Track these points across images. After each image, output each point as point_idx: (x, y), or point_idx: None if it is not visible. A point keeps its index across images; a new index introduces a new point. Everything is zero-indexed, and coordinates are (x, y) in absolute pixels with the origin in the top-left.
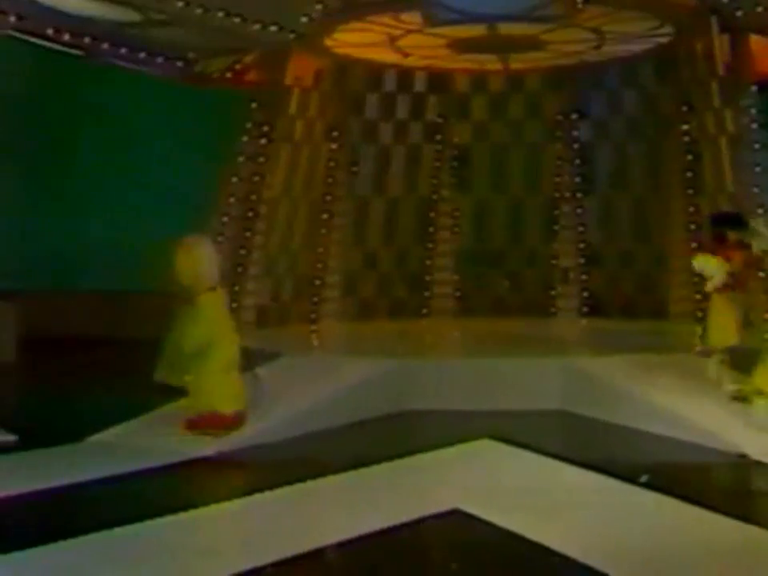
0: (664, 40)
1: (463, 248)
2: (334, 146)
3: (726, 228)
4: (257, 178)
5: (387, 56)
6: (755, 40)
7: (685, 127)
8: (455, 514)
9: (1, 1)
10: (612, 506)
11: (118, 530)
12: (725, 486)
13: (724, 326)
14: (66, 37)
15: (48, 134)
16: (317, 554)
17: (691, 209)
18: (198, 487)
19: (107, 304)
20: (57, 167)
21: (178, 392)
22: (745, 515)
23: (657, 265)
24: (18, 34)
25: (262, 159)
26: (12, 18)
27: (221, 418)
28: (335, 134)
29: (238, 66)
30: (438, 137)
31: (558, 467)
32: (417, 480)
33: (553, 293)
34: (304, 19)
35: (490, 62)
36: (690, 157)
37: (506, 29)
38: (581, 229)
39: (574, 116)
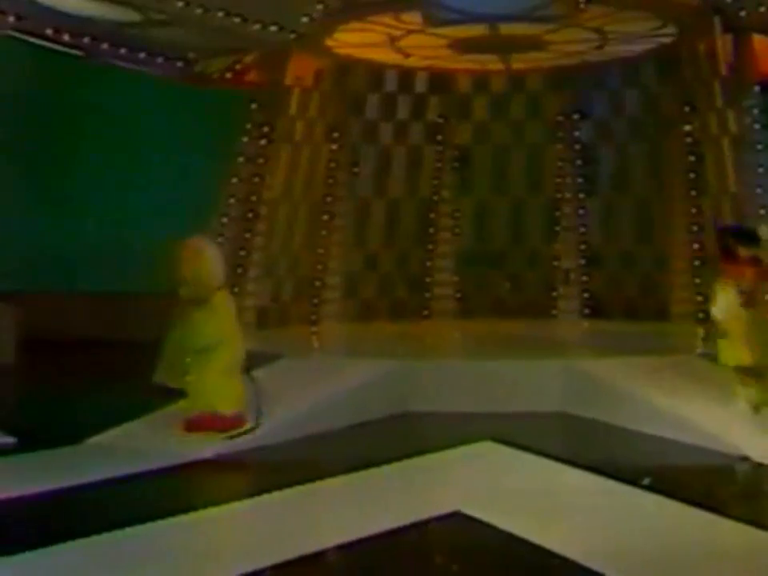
0: (666, 40)
1: (464, 249)
2: (334, 147)
3: (737, 244)
4: (257, 179)
5: (388, 56)
6: (758, 40)
7: (687, 128)
8: (456, 516)
9: (0, 1)
10: (614, 508)
11: (117, 533)
12: (727, 489)
13: (738, 344)
14: (66, 37)
15: (48, 135)
16: (317, 557)
17: (693, 210)
18: (198, 489)
19: (107, 305)
20: (56, 168)
21: (178, 394)
22: (747, 518)
23: (658, 266)
24: (17, 34)
25: (262, 160)
26: (11, 18)
27: (220, 420)
28: (336, 134)
29: (238, 66)
30: (439, 137)
31: (560, 469)
32: (418, 482)
33: (554, 294)
34: (304, 19)
35: (491, 63)
36: (692, 158)
37: (507, 29)
38: (582, 230)
39: (576, 116)
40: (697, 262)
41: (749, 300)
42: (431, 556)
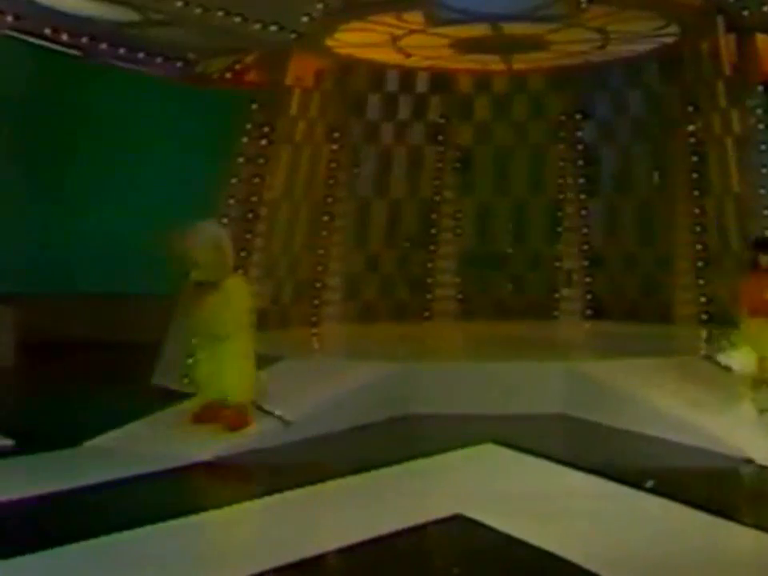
0: (669, 40)
1: (465, 250)
2: (335, 147)
3: (759, 253)
4: (257, 180)
5: (389, 56)
6: (762, 39)
7: (690, 128)
8: (457, 519)
9: None
10: (616, 511)
11: (116, 536)
12: (731, 491)
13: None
14: (64, 37)
15: (47, 136)
16: (318, 560)
17: (696, 210)
18: (198, 492)
19: (106, 307)
20: (55, 170)
21: (177, 395)
22: (751, 521)
23: (661, 267)
24: (15, 34)
25: (262, 160)
26: (9, 18)
27: (231, 415)
28: (336, 134)
29: (238, 67)
30: (441, 138)
31: (562, 472)
32: (419, 485)
33: (556, 295)
34: (305, 19)
35: (492, 63)
36: (695, 158)
37: (509, 29)
38: (584, 231)
39: (578, 117)
40: (700, 263)
41: None
42: (432, 559)
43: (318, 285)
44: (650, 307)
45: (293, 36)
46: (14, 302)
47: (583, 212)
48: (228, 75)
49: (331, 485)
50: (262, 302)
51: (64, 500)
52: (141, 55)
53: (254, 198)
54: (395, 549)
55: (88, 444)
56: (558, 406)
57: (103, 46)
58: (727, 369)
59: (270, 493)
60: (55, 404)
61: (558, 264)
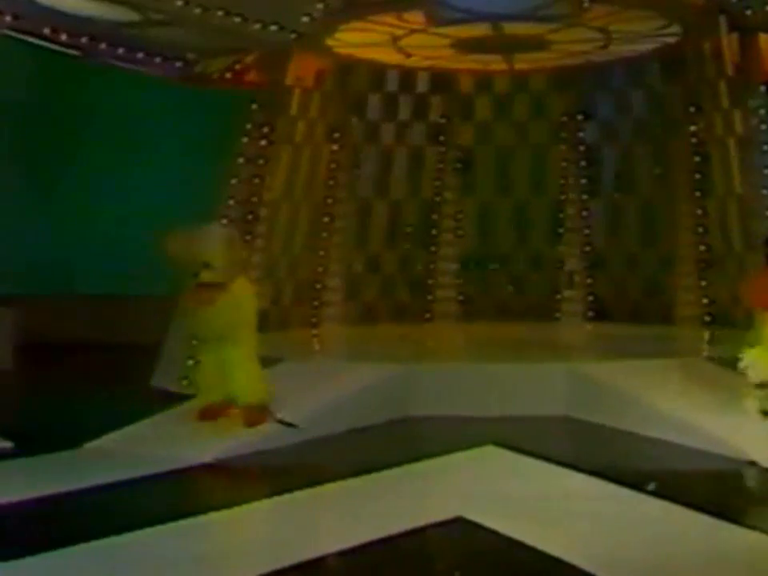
0: (671, 39)
1: (467, 251)
2: (335, 148)
3: None
4: (257, 180)
5: (390, 56)
6: (764, 39)
7: (692, 128)
8: (458, 521)
9: None
10: (618, 513)
11: (116, 538)
12: (733, 494)
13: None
14: (64, 37)
15: (47, 138)
16: (319, 562)
17: (699, 211)
18: (198, 494)
19: (106, 308)
20: (55, 171)
21: (177, 397)
22: (754, 523)
23: (664, 268)
24: (14, 34)
25: (262, 161)
26: (8, 18)
27: (247, 412)
28: (337, 135)
29: (238, 67)
30: (441, 138)
31: (563, 474)
32: (420, 487)
33: (558, 297)
34: (305, 19)
35: (494, 62)
36: (697, 158)
37: (510, 28)
38: (586, 232)
39: (580, 117)
40: (702, 265)
41: None
42: (433, 562)
43: (319, 286)
44: (652, 308)
45: (293, 36)
46: (13, 304)
47: (585, 213)
48: (228, 75)
49: (332, 487)
50: (263, 303)
51: (64, 502)
52: (140, 55)
53: (254, 199)
54: (395, 552)
55: (88, 446)
56: (560, 408)
57: (103, 45)
58: (743, 374)
59: (270, 495)
60: (55, 406)
61: (559, 265)
